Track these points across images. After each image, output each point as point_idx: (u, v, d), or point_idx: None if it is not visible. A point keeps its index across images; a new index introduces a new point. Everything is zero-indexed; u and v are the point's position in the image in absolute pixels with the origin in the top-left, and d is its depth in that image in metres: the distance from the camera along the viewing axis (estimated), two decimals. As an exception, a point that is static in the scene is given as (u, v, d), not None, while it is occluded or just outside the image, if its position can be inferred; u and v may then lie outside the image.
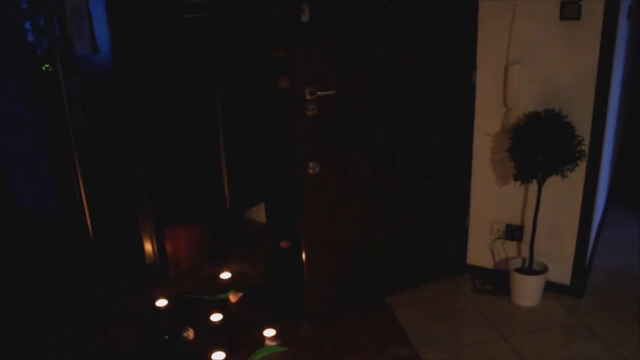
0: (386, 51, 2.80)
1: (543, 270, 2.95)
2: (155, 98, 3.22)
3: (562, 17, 2.68)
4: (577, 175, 2.79)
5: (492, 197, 3.12)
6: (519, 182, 2.89)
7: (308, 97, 2.57)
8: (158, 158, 3.36)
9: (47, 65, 3.51)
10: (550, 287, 3.02)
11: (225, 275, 3.35)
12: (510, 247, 3.15)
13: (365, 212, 2.96)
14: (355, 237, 2.98)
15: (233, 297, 3.10)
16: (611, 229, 3.85)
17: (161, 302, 3.08)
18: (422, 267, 3.26)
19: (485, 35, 2.92)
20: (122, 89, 3.14)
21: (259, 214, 4.11)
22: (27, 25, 3.73)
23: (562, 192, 2.89)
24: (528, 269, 2.97)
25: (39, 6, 3.44)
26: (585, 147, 2.72)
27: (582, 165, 2.76)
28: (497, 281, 3.14)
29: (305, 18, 2.48)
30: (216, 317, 2.92)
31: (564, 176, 2.72)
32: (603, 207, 3.84)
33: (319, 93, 2.59)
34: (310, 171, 2.67)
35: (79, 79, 3.31)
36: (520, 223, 3.07)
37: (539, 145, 2.64)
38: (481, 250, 3.25)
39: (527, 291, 2.96)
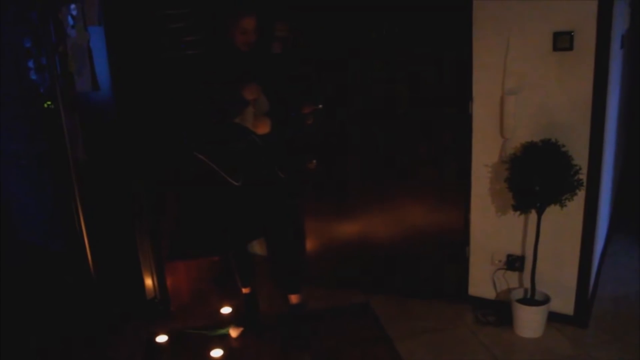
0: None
1: (545, 300, 2.93)
2: (155, 134, 3.25)
3: (555, 48, 2.72)
4: (576, 204, 2.78)
5: (492, 228, 3.11)
6: (518, 213, 2.88)
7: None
8: (159, 192, 3.37)
9: (49, 103, 3.55)
10: (554, 318, 2.99)
11: (226, 309, 3.33)
12: (512, 277, 3.12)
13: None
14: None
15: (234, 332, 3.07)
16: (614, 257, 3.81)
17: (162, 338, 3.06)
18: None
19: (481, 67, 2.95)
20: (122, 125, 3.18)
21: (259, 247, 4.09)
22: (30, 64, 3.79)
23: (562, 222, 2.88)
24: (530, 300, 2.94)
25: (41, 45, 3.50)
26: (583, 176, 2.72)
27: (581, 194, 2.76)
28: (499, 312, 3.11)
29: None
30: (217, 353, 2.90)
31: (563, 206, 2.71)
32: (605, 235, 3.82)
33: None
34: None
35: (80, 115, 3.35)
36: (521, 253, 3.05)
37: (537, 175, 2.65)
38: (482, 281, 3.22)
39: (530, 322, 2.92)
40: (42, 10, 3.19)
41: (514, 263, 3.07)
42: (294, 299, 3.13)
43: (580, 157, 2.73)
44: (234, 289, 3.28)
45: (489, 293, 3.23)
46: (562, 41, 2.69)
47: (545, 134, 2.77)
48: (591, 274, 2.99)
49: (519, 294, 3.02)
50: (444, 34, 3.01)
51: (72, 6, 3.13)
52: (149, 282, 3.32)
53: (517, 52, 2.82)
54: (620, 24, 3.02)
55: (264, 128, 2.84)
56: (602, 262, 3.63)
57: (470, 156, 3.08)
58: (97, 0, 3.08)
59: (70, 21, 3.16)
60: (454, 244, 3.25)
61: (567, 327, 2.99)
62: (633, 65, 4.20)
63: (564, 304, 2.99)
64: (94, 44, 3.13)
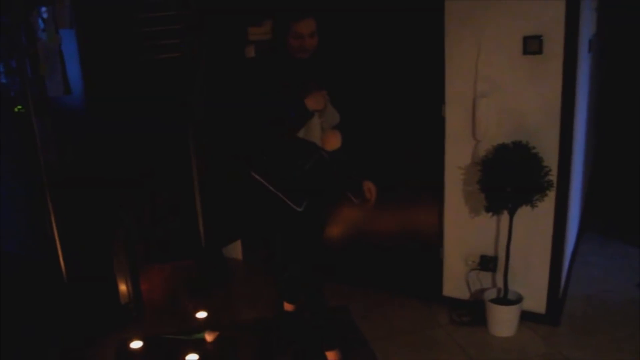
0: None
1: (518, 300, 2.97)
2: (128, 138, 3.23)
3: (525, 52, 2.76)
4: (547, 205, 2.83)
5: (466, 229, 3.15)
6: (491, 214, 2.92)
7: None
8: (132, 197, 3.35)
9: (19, 107, 3.49)
10: (527, 317, 3.04)
11: (202, 314, 3.30)
12: (486, 277, 3.16)
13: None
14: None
15: (209, 337, 3.05)
16: (585, 256, 3.88)
17: (136, 344, 3.02)
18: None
19: (453, 71, 2.98)
20: (94, 129, 3.15)
21: (235, 250, 4.09)
22: (0, 68, 3.73)
23: (533, 222, 2.93)
24: (503, 299, 2.99)
25: (11, 48, 3.45)
26: (553, 177, 2.77)
27: (551, 195, 2.81)
28: (473, 312, 3.14)
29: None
30: (192, 358, 2.87)
31: (533, 206, 2.76)
32: (576, 234, 3.89)
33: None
34: None
35: (52, 119, 3.30)
36: (494, 254, 3.09)
37: (508, 176, 2.69)
38: (457, 281, 3.26)
39: (503, 321, 2.97)
40: (12, 13, 3.14)
41: (487, 263, 3.11)
42: (331, 356, 2.74)
43: (550, 158, 2.78)
44: (211, 293, 3.27)
45: (463, 293, 3.26)
46: (532, 45, 2.74)
47: (516, 136, 2.82)
48: (562, 273, 3.05)
49: (492, 294, 3.07)
50: (416, 37, 3.05)
51: (43, 9, 3.09)
52: (122, 287, 3.28)
53: (489, 55, 2.86)
54: (587, 29, 3.09)
55: (333, 143, 2.51)
56: (573, 261, 3.70)
57: (443, 159, 3.12)
58: (68, 3, 3.05)
59: (41, 24, 3.12)
60: (429, 245, 3.29)
61: (540, 325, 3.04)
62: (601, 68, 4.30)
63: (537, 303, 3.04)
64: (65, 47, 3.10)
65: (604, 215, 4.56)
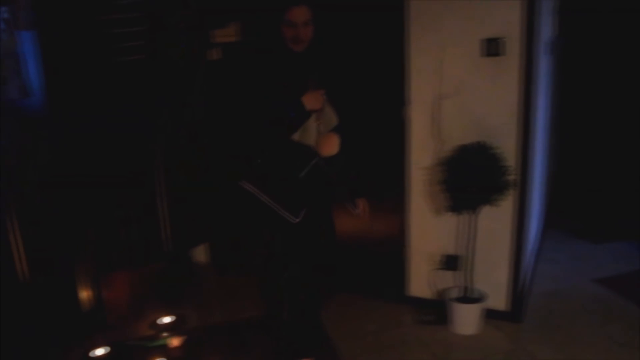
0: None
1: (481, 298, 3.01)
2: (93, 140, 3.19)
3: (486, 54, 2.81)
4: (508, 203, 2.89)
5: (430, 229, 3.18)
6: (454, 213, 2.96)
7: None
8: (96, 202, 3.30)
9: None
10: (490, 314, 3.08)
11: (167, 319, 3.27)
12: (450, 276, 3.20)
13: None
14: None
15: (175, 342, 3.02)
16: (547, 253, 3.97)
17: (99, 351, 2.97)
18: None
19: (416, 72, 3.02)
20: (56, 132, 3.10)
21: (200, 254, 4.06)
22: (-43, 70, 3.63)
23: (495, 221, 2.97)
24: (467, 298, 3.02)
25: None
26: (513, 176, 2.82)
27: (512, 193, 2.85)
28: (438, 311, 3.17)
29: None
30: (158, 363, 2.85)
31: (495, 205, 2.80)
32: (539, 232, 3.97)
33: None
34: None
35: (12, 123, 3.24)
36: (457, 253, 3.13)
37: (470, 176, 2.73)
38: (421, 281, 3.29)
39: (467, 320, 3.00)
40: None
41: (451, 263, 3.14)
42: None
43: (511, 158, 2.84)
44: (179, 298, 3.23)
45: (428, 293, 3.30)
46: (492, 47, 2.79)
47: (478, 137, 2.86)
48: (524, 271, 3.11)
49: (456, 292, 3.10)
50: (378, 37, 3.07)
51: (3, 9, 3.03)
52: (85, 294, 3.23)
53: (451, 57, 2.90)
54: (546, 31, 3.15)
55: (331, 148, 2.34)
56: (536, 258, 3.77)
57: (406, 160, 3.15)
58: (28, 3, 2.99)
59: (1, 25, 3.06)
60: (394, 246, 3.31)
61: (503, 322, 3.08)
62: (561, 70, 4.38)
63: (499, 300, 3.09)
64: (27, 49, 3.04)
65: (567, 212, 4.66)
